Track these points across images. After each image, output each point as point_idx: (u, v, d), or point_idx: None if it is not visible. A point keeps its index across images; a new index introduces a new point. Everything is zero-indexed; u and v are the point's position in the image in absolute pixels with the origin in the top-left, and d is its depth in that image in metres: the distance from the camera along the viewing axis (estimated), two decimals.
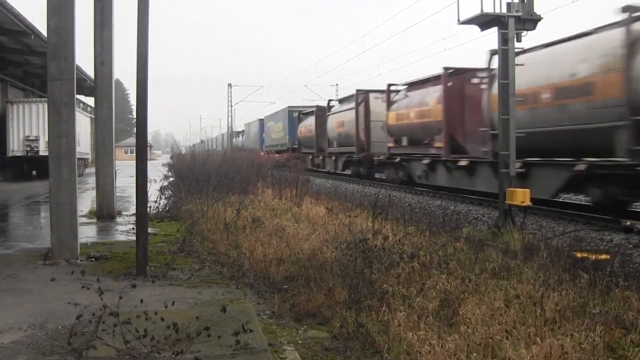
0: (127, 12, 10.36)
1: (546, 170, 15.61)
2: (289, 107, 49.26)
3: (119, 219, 15.01)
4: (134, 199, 10.06)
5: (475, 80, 21.19)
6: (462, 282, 6.58)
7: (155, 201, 15.36)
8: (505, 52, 12.47)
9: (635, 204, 15.02)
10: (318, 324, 6.19)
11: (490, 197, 17.65)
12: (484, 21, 12.83)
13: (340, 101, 37.55)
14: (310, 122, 42.06)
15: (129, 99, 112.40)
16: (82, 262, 9.37)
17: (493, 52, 16.78)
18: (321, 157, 39.87)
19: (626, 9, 13.10)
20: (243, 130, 74.26)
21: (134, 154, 9.14)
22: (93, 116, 29.62)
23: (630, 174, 12.90)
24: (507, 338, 4.87)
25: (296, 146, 46.45)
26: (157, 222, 13.69)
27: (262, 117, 60.83)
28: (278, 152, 50.33)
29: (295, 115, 47.05)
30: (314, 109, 42.04)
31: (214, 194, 15.10)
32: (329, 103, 39.25)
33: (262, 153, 52.91)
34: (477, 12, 12.56)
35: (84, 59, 33.84)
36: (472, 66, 22.06)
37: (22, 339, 5.61)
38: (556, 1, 18.21)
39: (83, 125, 35.38)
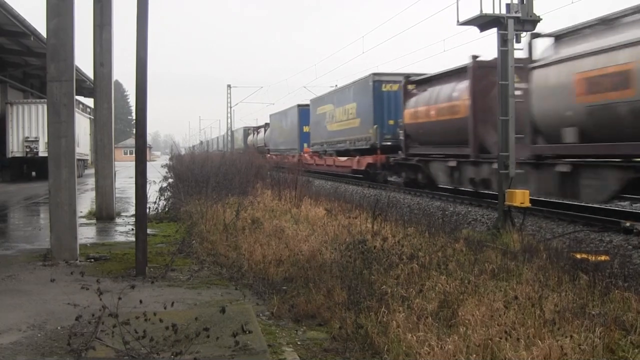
0: (126, 13, 10.39)
1: None
2: (374, 74, 29.03)
3: (118, 220, 15.01)
4: (133, 200, 10.07)
5: None
6: (461, 283, 6.58)
7: (155, 202, 15.36)
8: (504, 53, 12.46)
9: (635, 205, 15.04)
10: (317, 325, 6.19)
11: (489, 199, 17.65)
12: (483, 22, 12.82)
13: (559, 37, 15.13)
14: (445, 95, 21.01)
15: (129, 100, 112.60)
16: (81, 263, 9.38)
17: None
18: (489, 167, 17.80)
19: None
20: (265, 125, 57.58)
21: (134, 154, 9.15)
22: (92, 117, 29.66)
23: None
24: (506, 339, 4.86)
25: (389, 143, 27.47)
26: (157, 223, 13.71)
27: (303, 103, 42.94)
28: (344, 153, 32.76)
29: (388, 90, 28.03)
30: (464, 65, 19.66)
31: (213, 195, 15.09)
32: (531, 42, 15.27)
33: (305, 155, 38.24)
34: (476, 13, 12.56)
35: (84, 60, 33.87)
36: None
37: (21, 339, 5.61)
38: (556, 2, 18.22)
39: (82, 126, 35.37)
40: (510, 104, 12.50)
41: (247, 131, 67.79)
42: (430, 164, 22.77)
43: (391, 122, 27.82)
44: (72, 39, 9.70)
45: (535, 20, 12.39)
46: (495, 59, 16.65)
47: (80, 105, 45.15)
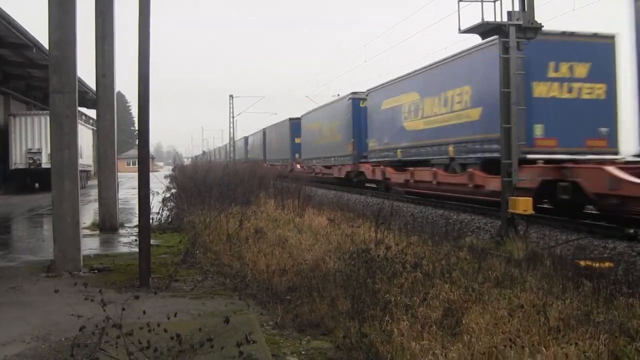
0: (128, 25, 10.42)
1: None
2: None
3: (121, 231, 15.01)
4: (136, 210, 10.07)
5: None
6: (465, 292, 6.57)
7: (158, 213, 15.36)
8: (506, 61, 12.48)
9: None
10: (321, 335, 6.18)
11: (493, 206, 17.65)
12: (484, 30, 12.84)
13: None
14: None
15: (131, 111, 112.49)
16: (85, 274, 9.37)
17: None
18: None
19: None
20: None
21: (136, 165, 9.17)
22: (95, 128, 29.71)
23: None
24: (511, 347, 4.85)
25: None
26: (160, 233, 13.70)
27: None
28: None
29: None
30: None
31: (216, 205, 15.09)
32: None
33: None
34: (478, 21, 12.58)
35: (86, 71, 33.92)
36: None
37: (25, 351, 5.61)
38: (557, 10, 18.32)
39: (85, 137, 35.48)
40: (513, 112, 12.50)
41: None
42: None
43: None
44: (74, 51, 9.74)
45: (537, 28, 12.39)
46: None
47: (83, 117, 45.29)
